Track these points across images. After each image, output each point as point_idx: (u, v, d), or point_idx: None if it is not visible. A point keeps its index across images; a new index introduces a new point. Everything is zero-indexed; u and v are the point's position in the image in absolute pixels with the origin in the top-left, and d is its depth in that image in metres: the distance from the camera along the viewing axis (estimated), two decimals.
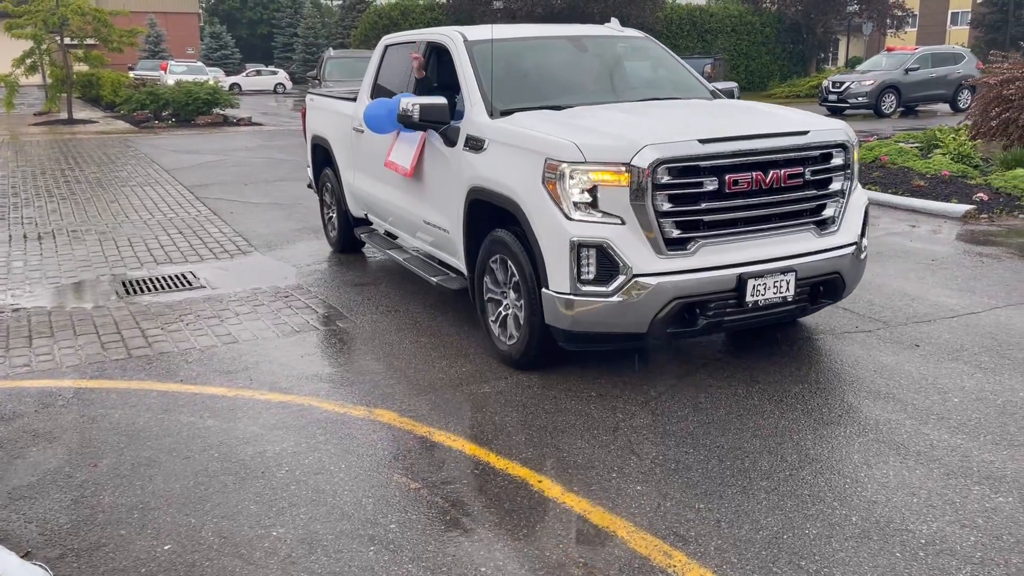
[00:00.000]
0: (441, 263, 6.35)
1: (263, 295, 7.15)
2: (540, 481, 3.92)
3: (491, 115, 5.49)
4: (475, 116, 5.55)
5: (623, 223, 4.55)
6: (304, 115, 9.09)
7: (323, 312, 6.68)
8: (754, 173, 4.67)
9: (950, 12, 68.67)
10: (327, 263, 8.34)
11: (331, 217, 8.62)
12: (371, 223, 7.79)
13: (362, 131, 7.13)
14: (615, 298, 4.55)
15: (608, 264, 4.55)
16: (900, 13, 43.41)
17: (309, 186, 9.33)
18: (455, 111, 5.75)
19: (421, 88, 6.45)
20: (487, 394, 4.97)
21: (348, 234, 8.24)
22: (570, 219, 4.59)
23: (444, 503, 3.75)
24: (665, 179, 4.52)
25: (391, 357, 5.65)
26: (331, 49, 20.79)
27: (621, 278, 4.54)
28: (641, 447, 4.23)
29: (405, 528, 3.55)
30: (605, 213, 4.57)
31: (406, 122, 5.68)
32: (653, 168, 4.48)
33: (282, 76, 51.23)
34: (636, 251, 4.54)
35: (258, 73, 51.13)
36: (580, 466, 4.04)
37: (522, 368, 5.20)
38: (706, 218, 4.65)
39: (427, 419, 4.63)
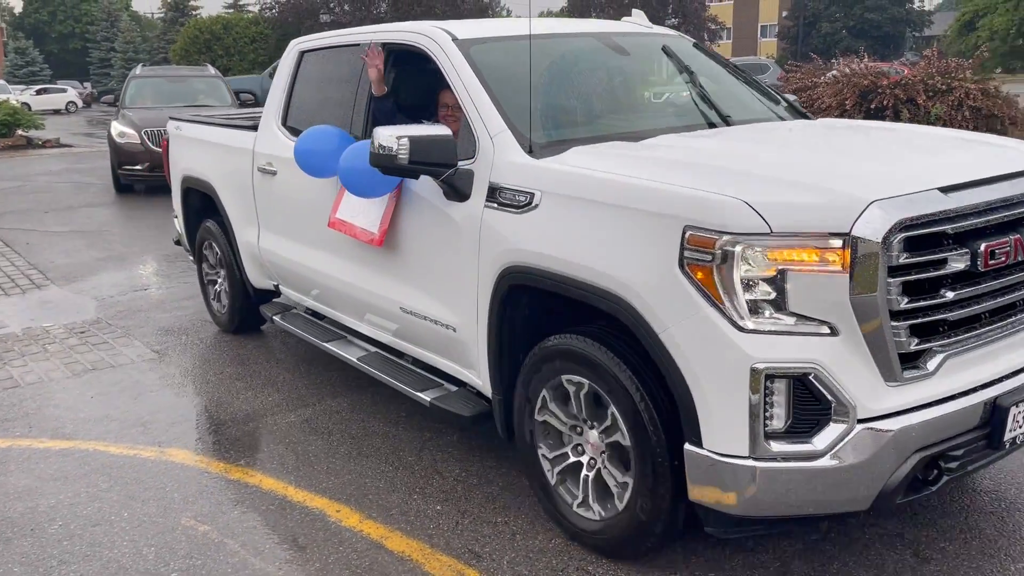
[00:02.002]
0: (419, 364, 4.42)
1: (56, 332, 6.60)
2: (338, 511, 3.86)
3: (530, 151, 3.59)
4: (502, 155, 3.61)
5: (834, 332, 2.76)
6: (166, 149, 6.87)
7: (122, 348, 6.22)
8: (1013, 236, 3.01)
9: (760, 25, 73.11)
10: (132, 293, 7.75)
11: (218, 289, 6.42)
12: (279, 294, 5.77)
13: (274, 172, 5.13)
14: (826, 461, 2.74)
15: (814, 404, 2.75)
16: (714, 26, 45.74)
17: (177, 242, 7.18)
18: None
19: (384, 111, 4.43)
20: (292, 423, 4.81)
21: (249, 312, 6.13)
22: (743, 329, 2.75)
23: (234, 544, 3.60)
24: (902, 256, 2.78)
25: (192, 391, 5.38)
26: (140, 66, 17.29)
27: (838, 426, 2.75)
28: (445, 465, 4.25)
29: (187, 575, 3.39)
30: (802, 317, 2.75)
31: (386, 165, 3.62)
32: (889, 238, 2.72)
33: (72, 94, 47.97)
34: (858, 378, 2.76)
35: (45, 91, 47.89)
36: (382, 490, 4.02)
37: None
38: (952, 315, 2.92)
39: (225, 455, 4.45)
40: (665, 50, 4.70)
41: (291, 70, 5.33)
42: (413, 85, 4.56)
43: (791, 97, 4.97)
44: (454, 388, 4.20)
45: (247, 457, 4.40)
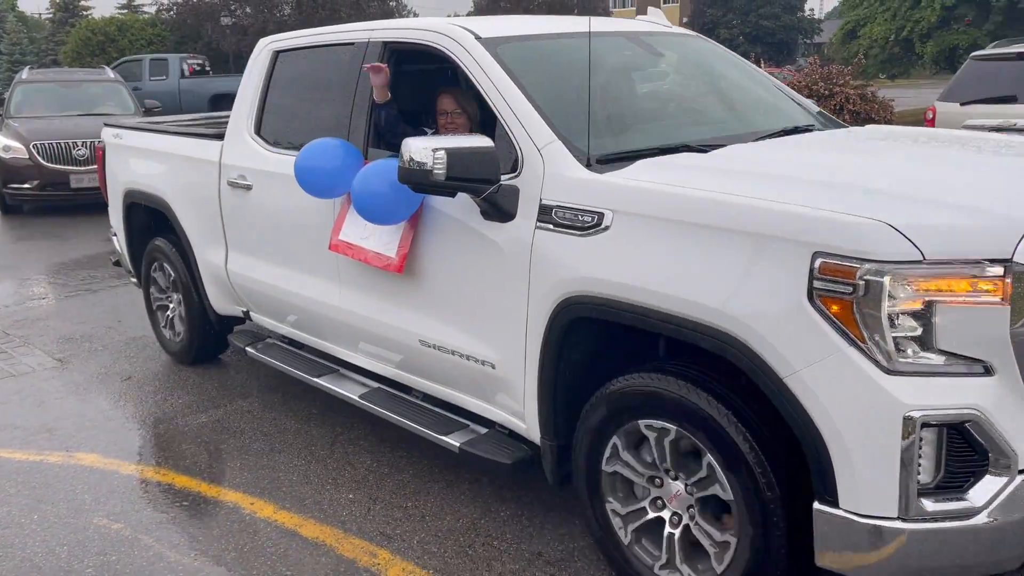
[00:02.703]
0: (431, 399, 3.98)
1: None
2: (252, 503, 3.96)
3: (588, 165, 3.16)
4: (555, 169, 3.18)
5: (988, 372, 2.42)
6: (101, 160, 6.10)
7: (22, 356, 5.99)
8: None
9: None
10: (30, 303, 7.37)
11: (171, 315, 5.75)
12: (245, 319, 5.26)
13: (248, 187, 4.56)
14: (982, 518, 2.40)
15: (968, 455, 2.41)
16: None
17: (116, 263, 6.42)
18: None
19: (387, 120, 3.95)
20: (203, 424, 4.84)
21: (209, 340, 5.56)
22: (891, 371, 2.39)
23: (148, 539, 3.67)
24: None
25: (99, 397, 5.29)
26: (27, 69, 14.90)
27: (997, 479, 2.41)
28: (357, 457, 4.39)
29: (103, 570, 3.46)
30: (952, 356, 2.41)
31: (419, 182, 3.13)
32: None
33: None
34: (1017, 424, 2.43)
35: None
36: (295, 483, 4.14)
37: None
38: None
39: (136, 457, 4.50)
40: (695, 52, 4.36)
41: (263, 73, 4.75)
42: (409, 89, 4.06)
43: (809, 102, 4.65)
44: (483, 430, 3.72)
45: (159, 457, 4.48)
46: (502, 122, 3.38)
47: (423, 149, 3.10)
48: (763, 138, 3.66)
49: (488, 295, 3.39)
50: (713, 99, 4.19)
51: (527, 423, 3.39)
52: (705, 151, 3.33)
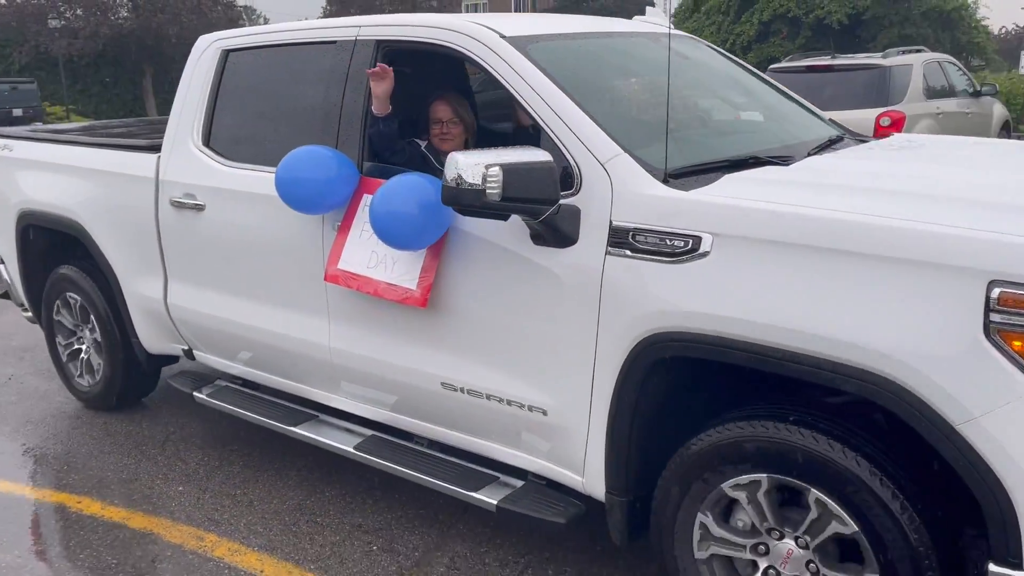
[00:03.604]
0: (437, 446, 3.53)
1: None
2: (79, 502, 4.03)
3: (665, 181, 2.76)
4: (626, 186, 2.76)
5: None
6: None
7: None
8: None
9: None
10: None
11: (85, 356, 4.98)
12: (176, 359, 4.69)
13: (198, 207, 3.94)
14: None
15: None
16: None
17: (4, 295, 5.52)
18: None
19: (385, 135, 3.42)
20: (28, 431, 4.83)
21: (136, 382, 4.89)
22: None
23: None
24: None
25: None
26: None
27: None
28: (188, 454, 4.49)
29: None
30: None
31: (469, 204, 2.67)
32: None
33: None
34: None
35: None
36: (124, 481, 4.21)
37: None
38: None
39: None
40: (704, 53, 4.02)
41: (211, 75, 4.10)
42: (398, 96, 3.50)
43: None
44: (516, 482, 3.28)
45: None
46: (550, 133, 2.95)
47: (473, 165, 2.65)
48: (819, 149, 3.37)
49: (541, 332, 2.94)
50: (741, 105, 3.87)
51: (586, 476, 2.96)
52: (779, 164, 3.00)
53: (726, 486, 2.62)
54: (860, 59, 11.16)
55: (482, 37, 3.18)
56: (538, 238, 2.88)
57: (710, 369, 2.74)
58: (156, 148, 4.27)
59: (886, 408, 2.32)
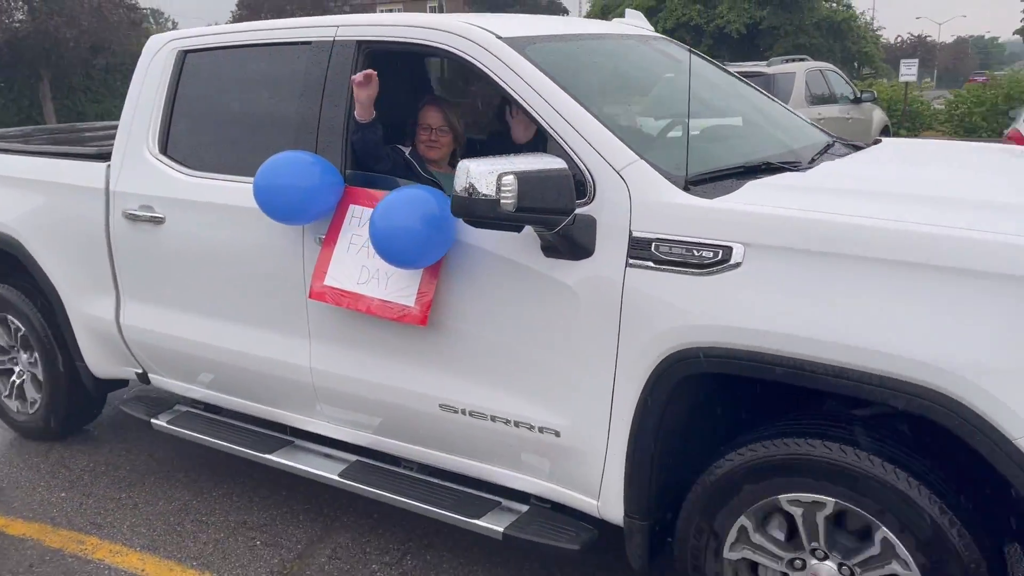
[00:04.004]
0: (427, 470, 3.32)
1: None
2: None
3: (685, 188, 2.62)
4: (645, 195, 2.62)
5: None
6: None
7: None
8: None
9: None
10: None
11: (20, 380, 4.57)
12: (125, 383, 4.39)
13: (157, 220, 3.64)
14: None
15: None
16: None
17: None
18: None
19: (368, 142, 3.22)
20: None
21: (80, 409, 4.54)
22: None
23: None
24: None
25: None
26: None
27: None
28: (73, 460, 4.41)
29: None
30: None
31: (483, 215, 2.51)
32: None
33: None
34: None
35: None
36: (4, 489, 4.14)
37: None
38: None
39: None
40: (684, 56, 3.87)
41: (167, 78, 3.81)
42: (379, 99, 3.29)
43: None
44: (519, 507, 3.11)
45: None
46: (558, 139, 2.79)
47: (487, 173, 2.48)
48: (822, 153, 3.29)
49: (553, 349, 2.78)
50: (731, 109, 3.77)
51: (603, 499, 2.82)
52: (792, 169, 2.91)
53: (784, 499, 2.48)
54: (747, 67, 11.51)
55: (477, 38, 3.00)
56: (550, 250, 2.72)
57: (731, 384, 2.62)
58: (104, 156, 3.95)
59: (923, 419, 2.23)
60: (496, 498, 3.14)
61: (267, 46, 3.57)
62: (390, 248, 2.83)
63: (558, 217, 2.57)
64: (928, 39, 63.31)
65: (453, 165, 3.50)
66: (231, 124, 3.65)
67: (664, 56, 3.70)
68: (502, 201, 2.47)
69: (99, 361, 4.19)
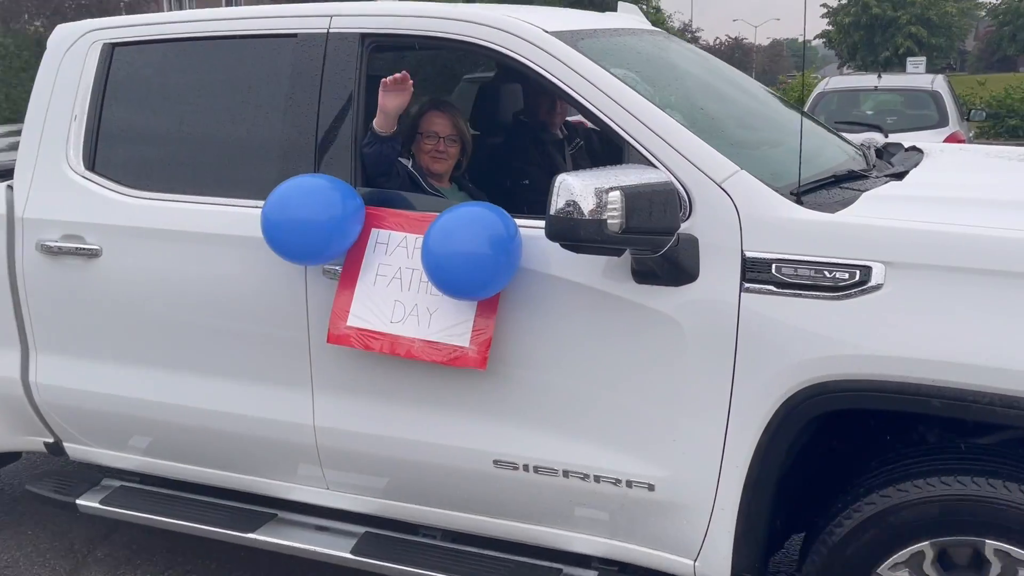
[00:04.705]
0: (450, 536, 2.84)
1: None
2: None
3: (798, 202, 2.34)
4: (754, 209, 2.30)
5: None
6: None
7: None
8: None
9: None
10: None
11: None
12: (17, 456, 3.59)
13: (90, 253, 2.96)
14: None
15: None
16: None
17: None
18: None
19: (383, 158, 2.75)
20: None
21: None
22: None
23: None
24: None
25: None
26: None
27: None
28: None
29: None
30: None
31: (585, 238, 2.14)
32: None
33: None
34: None
35: None
36: None
37: None
38: None
39: None
40: (694, 53, 3.61)
41: (91, 79, 3.11)
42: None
43: None
44: (585, 572, 2.69)
45: None
46: (640, 148, 2.43)
47: (593, 191, 2.11)
48: (881, 159, 3.09)
49: (648, 388, 2.42)
50: (768, 111, 3.45)
51: (703, 559, 2.47)
52: (874, 176, 2.69)
53: (991, 543, 2.17)
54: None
55: (524, 32, 2.59)
56: (644, 275, 2.34)
57: (843, 421, 2.35)
58: (5, 175, 3.19)
59: None
60: (556, 565, 2.70)
61: (231, 39, 2.98)
62: (454, 278, 2.37)
63: (663, 237, 2.21)
64: (745, 41, 67.43)
65: (452, 180, 3.08)
66: (188, 135, 3.02)
67: (691, 53, 3.40)
68: (609, 221, 2.11)
69: (8, 423, 3.38)
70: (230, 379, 2.89)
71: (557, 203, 2.14)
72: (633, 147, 2.43)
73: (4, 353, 3.23)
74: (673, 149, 2.40)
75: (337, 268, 2.65)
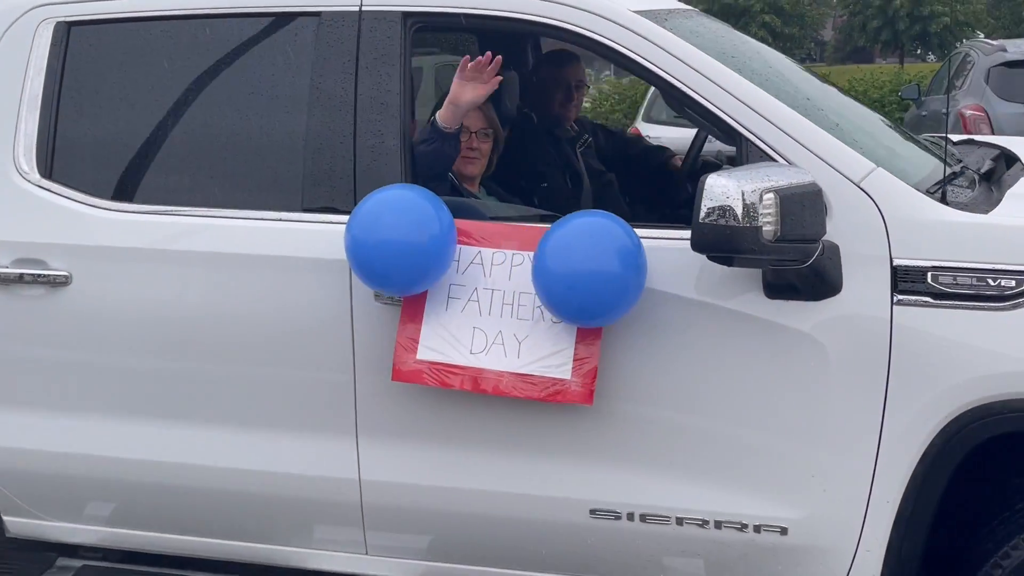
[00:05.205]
0: None
1: None
2: None
3: (944, 202, 2.09)
4: (900, 211, 2.04)
5: None
6: None
7: None
8: None
9: None
10: None
11: None
12: None
13: (59, 280, 2.38)
14: None
15: None
16: None
17: None
18: None
19: (442, 157, 2.42)
20: None
21: None
22: None
23: None
24: None
25: None
26: None
27: None
28: None
29: None
30: None
31: (739, 249, 1.85)
32: None
33: None
34: None
35: None
36: None
37: None
38: None
39: None
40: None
41: (42, 67, 2.52)
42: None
43: None
44: None
45: None
46: (761, 145, 2.14)
47: (748, 193, 1.84)
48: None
49: (782, 417, 2.12)
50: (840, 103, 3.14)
51: None
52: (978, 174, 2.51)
53: None
54: None
55: (611, 13, 2.24)
56: (780, 290, 2.04)
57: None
58: None
59: None
60: None
61: (228, 18, 2.47)
62: (581, 300, 2.01)
63: (812, 245, 1.94)
64: None
65: (480, 183, 2.70)
66: (178, 136, 2.48)
67: (738, 35, 3.09)
68: (764, 228, 1.84)
69: None
70: (247, 430, 2.40)
71: (707, 206, 1.82)
72: (754, 144, 2.13)
73: None
74: (801, 146, 2.11)
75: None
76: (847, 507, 2.10)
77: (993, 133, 7.20)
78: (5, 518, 2.70)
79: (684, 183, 3.49)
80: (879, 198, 2.07)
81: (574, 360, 2.10)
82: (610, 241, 2.00)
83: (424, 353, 2.15)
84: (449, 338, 2.14)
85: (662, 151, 3.90)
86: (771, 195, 1.84)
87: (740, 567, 2.23)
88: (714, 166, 3.55)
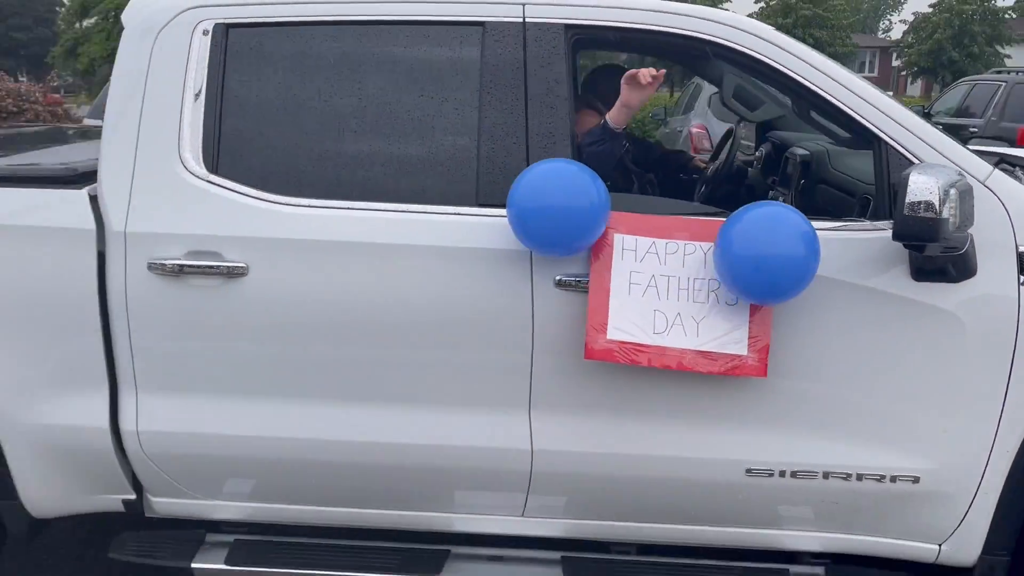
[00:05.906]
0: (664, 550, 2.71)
1: None
2: None
3: None
4: (1019, 203, 2.41)
5: None
6: None
7: None
8: None
9: None
10: None
11: None
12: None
13: (236, 272, 2.49)
14: None
15: None
16: None
17: None
18: None
19: (608, 155, 2.83)
20: None
21: None
22: None
23: None
24: None
25: None
26: None
27: None
28: None
29: None
30: None
31: (930, 239, 2.18)
32: None
33: None
34: None
35: None
36: None
37: None
38: None
39: None
40: None
41: (203, 65, 2.61)
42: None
43: None
44: (810, 569, 2.72)
45: None
46: (901, 149, 2.48)
47: (940, 189, 2.15)
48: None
49: (922, 384, 2.46)
50: None
51: (952, 542, 2.57)
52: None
53: None
54: None
55: (756, 29, 2.54)
56: (929, 273, 2.39)
57: None
58: (76, 179, 2.63)
59: None
60: (781, 566, 2.69)
61: (395, 25, 2.62)
62: (772, 284, 2.28)
63: (967, 234, 2.31)
64: None
65: None
66: (348, 136, 2.61)
67: None
68: (950, 220, 2.16)
69: (52, 492, 2.76)
70: (422, 408, 2.58)
71: (909, 201, 2.14)
72: (893, 148, 2.46)
73: (83, 399, 2.65)
74: (935, 150, 2.45)
75: (571, 279, 2.45)
76: (972, 459, 2.45)
77: (712, 146, 8.31)
78: (153, 499, 2.79)
79: (720, 181, 3.83)
80: (1002, 194, 2.43)
81: (749, 337, 2.38)
82: (793, 227, 2.28)
83: (613, 334, 2.38)
84: (635, 320, 2.39)
85: (681, 154, 4.30)
86: (953, 192, 2.16)
87: (871, 511, 2.56)
88: (743, 167, 3.94)
